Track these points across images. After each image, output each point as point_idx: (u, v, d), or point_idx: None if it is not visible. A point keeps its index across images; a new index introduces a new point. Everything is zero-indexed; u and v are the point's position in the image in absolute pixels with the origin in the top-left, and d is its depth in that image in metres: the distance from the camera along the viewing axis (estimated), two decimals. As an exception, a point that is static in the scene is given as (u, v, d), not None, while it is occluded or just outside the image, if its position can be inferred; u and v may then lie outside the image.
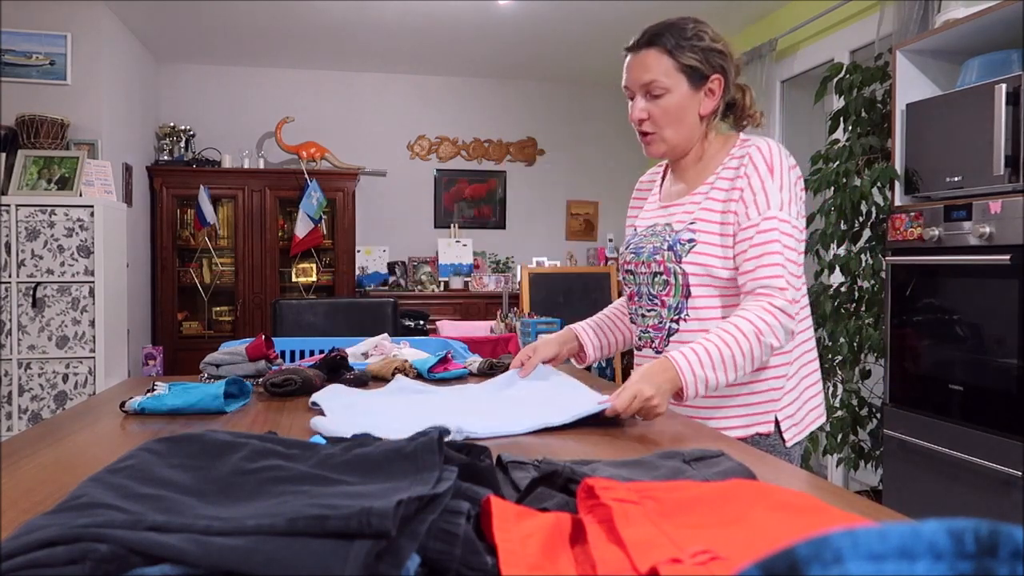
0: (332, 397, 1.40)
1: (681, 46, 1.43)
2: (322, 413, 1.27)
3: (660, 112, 1.45)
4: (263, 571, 0.49)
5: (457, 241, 6.25)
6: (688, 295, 1.45)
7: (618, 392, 1.23)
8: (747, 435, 1.44)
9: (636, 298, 1.56)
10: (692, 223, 1.45)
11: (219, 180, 5.56)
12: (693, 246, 1.43)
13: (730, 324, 1.33)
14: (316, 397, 1.39)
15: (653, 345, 1.52)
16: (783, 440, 1.45)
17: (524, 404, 1.36)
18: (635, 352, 1.61)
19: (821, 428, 3.13)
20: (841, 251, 3.15)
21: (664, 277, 1.47)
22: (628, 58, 1.49)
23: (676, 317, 1.47)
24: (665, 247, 1.47)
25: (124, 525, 0.53)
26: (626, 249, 1.60)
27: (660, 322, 1.50)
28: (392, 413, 1.29)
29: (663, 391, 1.25)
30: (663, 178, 1.65)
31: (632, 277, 1.56)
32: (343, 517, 0.51)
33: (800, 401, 1.49)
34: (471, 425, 1.14)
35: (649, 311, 1.52)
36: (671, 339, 1.48)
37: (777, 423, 1.45)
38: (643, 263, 1.52)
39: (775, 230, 1.36)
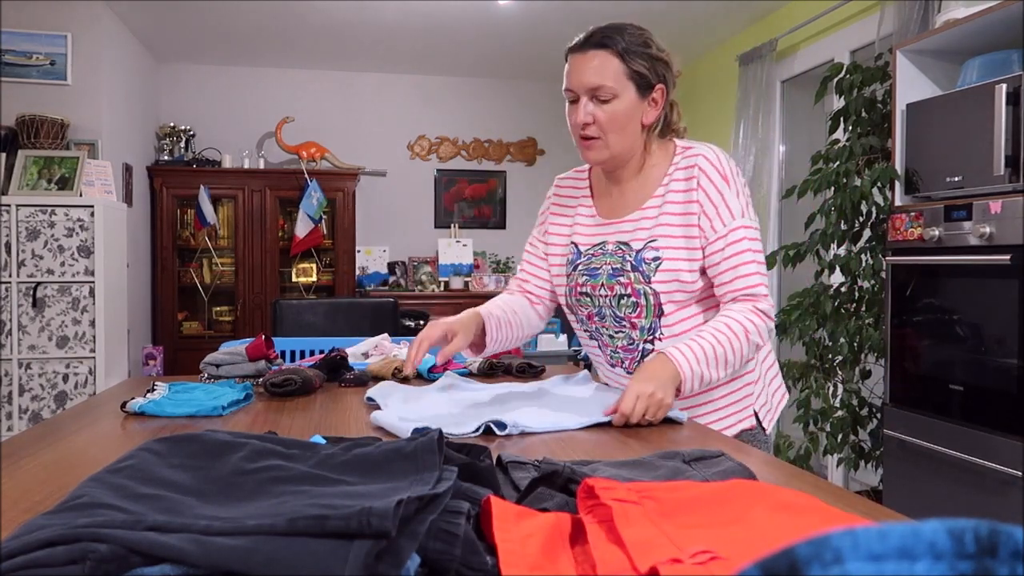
0: (387, 393, 1.42)
1: (632, 51, 1.40)
2: (378, 408, 1.30)
3: (606, 117, 1.40)
4: (263, 571, 0.49)
5: (457, 241, 6.25)
6: (661, 314, 1.43)
7: (621, 397, 1.23)
8: (734, 434, 1.46)
9: (596, 319, 1.52)
10: (653, 240, 1.43)
11: (219, 180, 5.56)
12: (659, 264, 1.41)
13: (721, 323, 1.35)
14: (371, 393, 1.41)
15: (624, 365, 1.51)
16: (763, 430, 1.51)
17: (573, 402, 1.39)
18: (608, 367, 1.56)
19: (819, 427, 3.14)
20: (841, 251, 3.15)
21: (633, 299, 1.44)
22: (573, 58, 1.44)
23: (650, 337, 1.45)
24: (628, 268, 1.44)
25: (124, 525, 0.53)
26: (575, 271, 1.53)
27: (631, 343, 1.48)
28: (448, 407, 1.32)
29: (665, 385, 1.25)
30: (591, 187, 1.59)
31: (589, 300, 1.51)
32: (343, 517, 0.52)
33: (765, 386, 1.54)
34: (525, 419, 1.16)
35: (617, 332, 1.49)
36: (645, 359, 1.45)
37: (756, 415, 1.50)
38: (603, 285, 1.48)
39: (744, 239, 1.38)
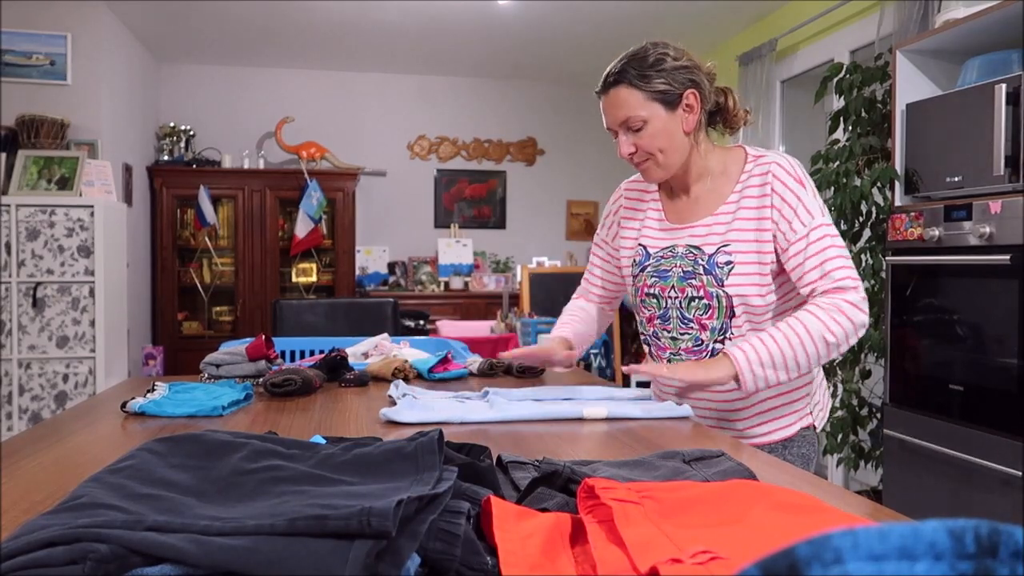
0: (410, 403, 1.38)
1: (646, 75, 1.42)
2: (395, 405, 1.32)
3: (646, 143, 1.45)
4: (263, 571, 0.49)
5: (457, 241, 6.25)
6: (732, 316, 1.46)
7: (671, 367, 1.41)
8: (793, 433, 1.51)
9: (658, 321, 1.55)
10: (726, 245, 1.46)
11: (219, 180, 5.56)
12: (732, 268, 1.45)
13: (799, 325, 1.36)
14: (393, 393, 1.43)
15: None
16: (815, 428, 1.55)
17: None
18: None
19: (823, 429, 3.13)
20: (841, 251, 3.15)
21: (705, 301, 1.47)
22: (601, 100, 1.49)
23: (720, 338, 1.47)
24: (700, 271, 1.47)
25: (124, 525, 0.53)
26: (642, 271, 1.57)
27: (699, 344, 1.49)
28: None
29: (710, 375, 1.37)
30: (659, 190, 1.62)
31: (656, 301, 1.54)
32: (343, 517, 0.52)
33: (820, 387, 1.58)
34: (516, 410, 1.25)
35: (683, 334, 1.51)
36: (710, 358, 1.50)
37: (811, 414, 1.54)
38: (672, 287, 1.51)
39: (827, 236, 1.40)
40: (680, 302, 1.50)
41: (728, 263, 1.45)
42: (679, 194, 1.57)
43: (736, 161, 1.51)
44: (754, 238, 1.44)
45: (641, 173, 1.52)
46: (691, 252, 1.50)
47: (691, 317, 1.49)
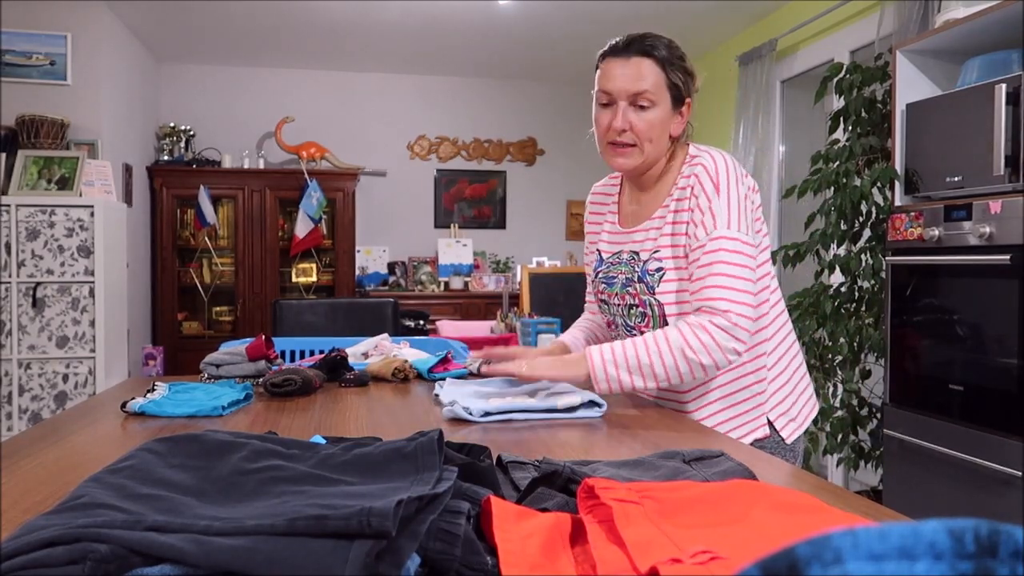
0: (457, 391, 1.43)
1: (672, 62, 1.40)
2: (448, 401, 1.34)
3: (645, 125, 1.39)
4: (263, 571, 0.49)
5: (457, 241, 6.25)
6: (665, 324, 1.41)
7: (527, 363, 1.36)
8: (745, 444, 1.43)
9: (613, 327, 1.56)
10: (656, 251, 1.42)
11: (219, 180, 5.56)
12: (662, 275, 1.41)
13: (662, 334, 1.32)
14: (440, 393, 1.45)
15: None
16: (783, 439, 1.46)
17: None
18: None
19: (819, 427, 3.13)
20: (841, 251, 3.15)
21: (640, 309, 1.45)
22: (613, 61, 1.41)
23: None
24: (636, 279, 1.45)
25: (124, 525, 0.53)
26: (596, 277, 1.57)
27: None
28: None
29: (560, 371, 1.36)
30: (620, 194, 1.60)
31: (607, 307, 1.54)
32: (343, 517, 0.52)
33: (793, 396, 1.49)
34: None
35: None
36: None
37: (771, 424, 1.45)
38: (616, 295, 1.50)
39: (721, 250, 1.32)
40: (622, 309, 1.48)
41: (659, 270, 1.41)
42: (635, 196, 1.53)
43: (677, 163, 1.46)
44: (683, 242, 1.39)
45: (613, 156, 1.44)
46: (632, 258, 1.47)
47: (633, 325, 1.47)
